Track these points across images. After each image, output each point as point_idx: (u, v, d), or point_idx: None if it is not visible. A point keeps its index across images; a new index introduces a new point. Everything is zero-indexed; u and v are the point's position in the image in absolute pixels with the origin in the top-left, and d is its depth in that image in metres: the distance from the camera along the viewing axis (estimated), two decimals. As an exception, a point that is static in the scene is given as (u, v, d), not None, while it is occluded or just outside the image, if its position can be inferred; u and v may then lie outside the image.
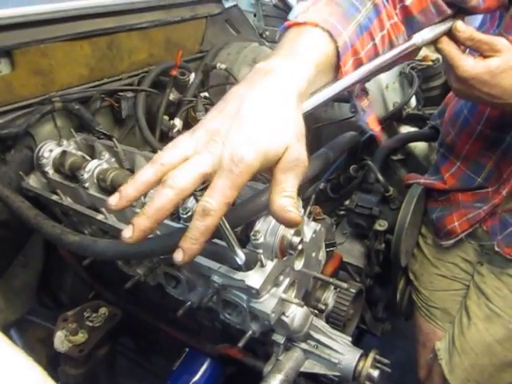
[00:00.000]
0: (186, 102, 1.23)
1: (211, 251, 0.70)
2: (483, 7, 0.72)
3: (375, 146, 1.26)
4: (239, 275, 0.65)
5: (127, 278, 0.86)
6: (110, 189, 0.88)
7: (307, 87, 0.51)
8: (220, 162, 0.44)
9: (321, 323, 0.80)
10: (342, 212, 1.17)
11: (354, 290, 0.88)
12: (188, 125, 1.26)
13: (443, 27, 0.68)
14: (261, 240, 0.65)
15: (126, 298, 1.07)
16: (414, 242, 1.14)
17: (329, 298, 0.88)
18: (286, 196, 0.45)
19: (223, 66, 1.29)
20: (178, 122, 1.20)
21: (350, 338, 0.79)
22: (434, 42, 0.69)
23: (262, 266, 0.65)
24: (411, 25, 0.67)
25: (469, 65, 0.68)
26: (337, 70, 0.59)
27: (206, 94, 1.22)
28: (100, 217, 0.81)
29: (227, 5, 1.62)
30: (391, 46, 0.66)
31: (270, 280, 0.66)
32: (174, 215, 0.81)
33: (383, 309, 1.21)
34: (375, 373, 0.74)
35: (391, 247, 1.01)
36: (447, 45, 0.69)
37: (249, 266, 0.66)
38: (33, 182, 0.97)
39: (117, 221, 0.82)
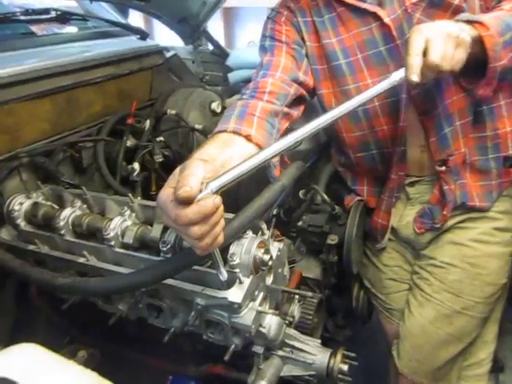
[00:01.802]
0: (142, 147, 1.32)
1: (192, 276, 0.79)
2: (307, 81, 1.06)
3: (317, 172, 1.41)
4: (222, 293, 0.74)
5: (104, 317, 0.91)
6: (86, 233, 0.94)
7: (205, 155, 0.71)
8: None
9: (292, 331, 0.90)
10: (294, 233, 1.29)
11: (315, 300, 0.99)
12: (145, 168, 1.35)
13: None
14: (237, 261, 0.75)
15: (104, 336, 1.10)
16: (361, 251, 1.28)
17: (295, 310, 0.99)
18: None
19: (173, 112, 1.41)
20: (136, 166, 1.28)
21: (319, 341, 0.90)
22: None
23: (241, 282, 0.75)
24: (282, 99, 0.97)
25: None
26: (246, 139, 0.84)
27: (161, 138, 1.32)
28: (82, 259, 0.87)
29: (168, 54, 1.75)
30: (271, 114, 0.93)
31: (248, 295, 0.76)
32: (153, 250, 0.90)
33: (343, 316, 1.34)
34: (345, 367, 0.85)
35: (343, 258, 1.14)
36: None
37: (229, 284, 0.75)
38: (4, 235, 1.01)
39: (98, 261, 0.88)
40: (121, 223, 0.89)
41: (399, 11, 0.95)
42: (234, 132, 0.84)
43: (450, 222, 1.11)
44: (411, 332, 1.15)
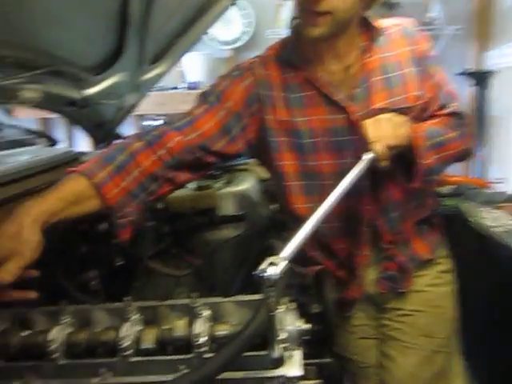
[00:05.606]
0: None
1: (238, 364, 0.75)
2: (225, 151, 1.08)
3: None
4: (278, 372, 0.73)
5: None
6: (83, 352, 0.83)
7: (46, 213, 0.80)
8: None
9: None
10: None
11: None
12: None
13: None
14: (284, 335, 0.76)
15: None
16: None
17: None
18: None
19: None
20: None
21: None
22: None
23: (291, 356, 0.75)
24: (174, 161, 1.01)
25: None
26: (102, 199, 0.91)
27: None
28: (96, 380, 0.77)
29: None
30: (152, 177, 0.99)
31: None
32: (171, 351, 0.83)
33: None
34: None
35: (326, 324, 1.17)
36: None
37: (278, 361, 0.75)
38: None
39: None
40: (133, 329, 0.82)
41: (365, 110, 1.09)
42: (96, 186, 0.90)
43: None
44: (401, 380, 1.22)
